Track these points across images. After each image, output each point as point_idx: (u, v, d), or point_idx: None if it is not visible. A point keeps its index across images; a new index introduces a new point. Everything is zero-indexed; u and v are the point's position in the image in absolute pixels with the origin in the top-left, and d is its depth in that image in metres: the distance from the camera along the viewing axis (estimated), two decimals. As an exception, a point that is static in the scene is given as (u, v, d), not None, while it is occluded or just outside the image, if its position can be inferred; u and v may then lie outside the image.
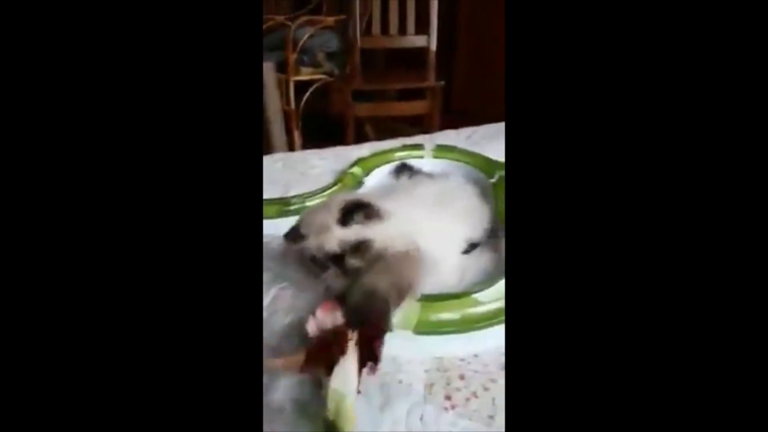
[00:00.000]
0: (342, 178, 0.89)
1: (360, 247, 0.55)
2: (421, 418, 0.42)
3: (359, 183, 0.90)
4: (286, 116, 2.00)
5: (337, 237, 0.56)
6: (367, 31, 2.01)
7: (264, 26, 2.04)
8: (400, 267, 0.53)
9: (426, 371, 0.46)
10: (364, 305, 0.46)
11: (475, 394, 0.44)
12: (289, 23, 1.99)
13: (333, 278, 0.55)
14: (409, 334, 0.48)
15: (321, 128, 2.05)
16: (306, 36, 2.00)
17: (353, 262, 0.55)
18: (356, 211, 0.57)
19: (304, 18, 2.05)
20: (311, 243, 0.56)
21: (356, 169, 0.92)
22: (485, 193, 0.80)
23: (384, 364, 0.44)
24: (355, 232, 0.56)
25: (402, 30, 2.01)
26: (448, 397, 0.44)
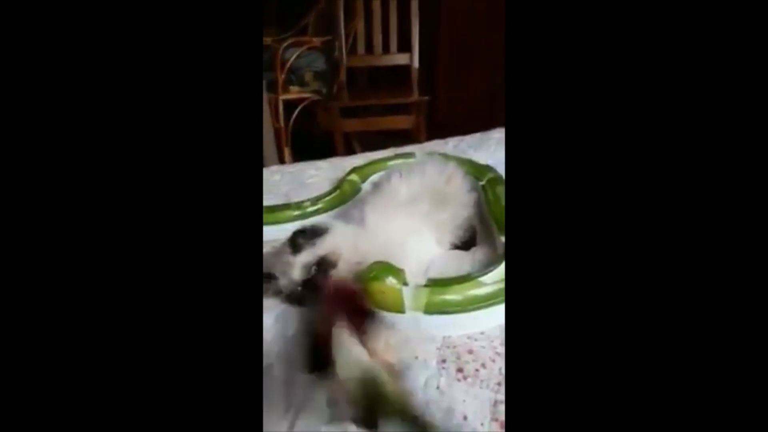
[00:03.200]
0: (341, 185, 0.94)
1: (320, 265, 0.61)
2: (437, 387, 0.46)
3: (357, 189, 0.94)
4: (277, 134, 2.05)
5: (297, 266, 0.61)
6: (352, 50, 2.09)
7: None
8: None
9: (438, 348, 0.50)
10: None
11: (483, 366, 0.48)
12: (277, 45, 2.06)
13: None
14: (420, 315, 0.52)
15: (309, 145, 2.10)
16: (294, 56, 2.07)
17: (319, 279, 0.60)
18: (299, 237, 0.62)
19: (291, 39, 2.12)
20: (282, 281, 0.61)
21: (354, 176, 0.96)
22: (478, 194, 0.86)
23: (399, 344, 0.48)
24: (307, 255, 0.61)
25: (386, 48, 2.10)
26: (459, 370, 0.48)
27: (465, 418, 0.43)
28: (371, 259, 0.57)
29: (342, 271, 0.61)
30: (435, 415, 0.43)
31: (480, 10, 2.14)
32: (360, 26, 2.06)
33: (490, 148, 1.21)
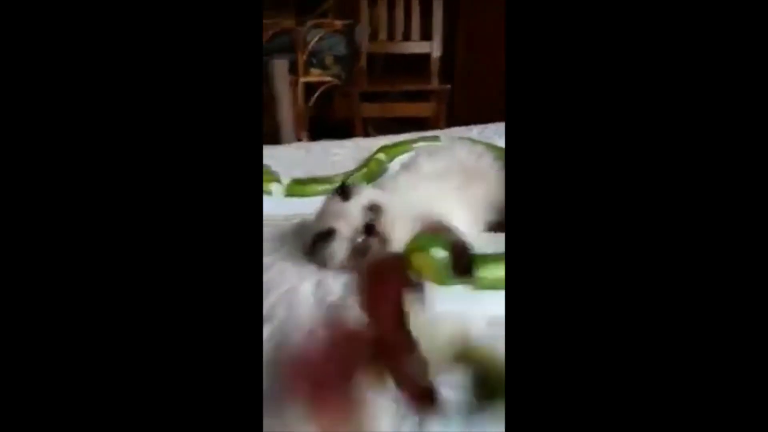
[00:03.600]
0: (368, 163, 0.94)
1: (373, 208, 0.62)
2: None
3: (385, 168, 0.94)
4: (296, 116, 2.05)
5: (353, 210, 0.61)
6: (373, 36, 2.08)
7: (274, 30, 2.10)
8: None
9: (488, 324, 0.50)
10: None
11: None
12: (300, 27, 2.06)
13: (374, 245, 0.60)
14: (470, 289, 0.52)
15: (325, 130, 2.10)
16: (315, 39, 2.06)
17: (379, 225, 0.61)
18: (346, 187, 0.64)
19: (314, 21, 2.12)
20: (343, 231, 0.60)
21: (381, 155, 0.97)
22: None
23: (449, 317, 0.48)
24: (359, 200, 0.62)
25: (407, 36, 2.09)
26: None
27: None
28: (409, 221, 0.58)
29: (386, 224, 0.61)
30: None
31: (499, 2, 2.12)
32: (382, 12, 2.05)
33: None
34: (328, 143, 1.18)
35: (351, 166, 0.98)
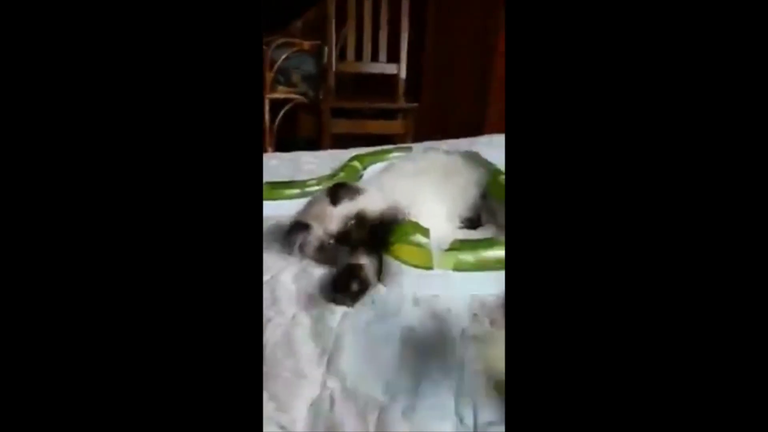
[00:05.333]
0: (343, 169, 0.94)
1: (358, 219, 0.61)
2: (473, 336, 0.47)
3: (360, 175, 0.94)
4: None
5: (335, 216, 0.61)
6: (341, 56, 2.11)
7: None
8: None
9: (467, 304, 0.51)
10: None
11: None
12: (266, 45, 2.06)
13: (348, 257, 0.59)
14: (449, 272, 0.53)
15: (291, 146, 2.09)
16: (282, 57, 2.07)
17: (357, 234, 0.60)
18: (341, 190, 0.63)
19: (281, 40, 2.13)
20: (316, 230, 0.60)
21: (355, 163, 0.97)
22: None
23: (430, 300, 0.50)
24: (347, 207, 0.62)
25: (374, 57, 2.14)
26: (492, 321, 0.49)
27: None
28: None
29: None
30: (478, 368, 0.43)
31: (465, 25, 2.22)
32: (351, 33, 2.10)
33: (481, 150, 1.25)
34: (300, 153, 1.17)
35: (326, 173, 0.98)
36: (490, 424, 0.38)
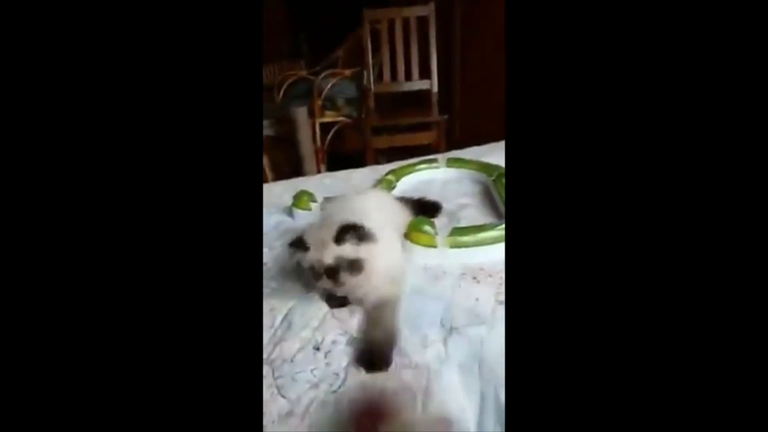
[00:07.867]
0: (380, 182, 1.20)
1: (353, 265, 0.64)
2: (459, 286, 0.72)
3: (393, 186, 1.20)
4: (315, 153, 2.37)
5: (332, 253, 0.64)
6: (378, 78, 2.39)
7: (292, 79, 2.46)
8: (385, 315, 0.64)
9: (458, 269, 0.76)
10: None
11: (490, 275, 0.74)
12: (313, 77, 2.40)
13: (326, 286, 0.66)
14: (447, 249, 0.79)
15: (341, 162, 2.39)
16: (328, 86, 2.39)
17: (345, 276, 0.64)
18: (350, 232, 0.65)
19: (326, 72, 2.46)
20: (312, 255, 0.65)
21: (390, 176, 1.23)
22: (488, 188, 1.11)
23: (429, 268, 0.75)
24: (348, 250, 0.64)
25: (408, 76, 2.40)
26: (475, 279, 0.73)
27: (477, 299, 0.68)
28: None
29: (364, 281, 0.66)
30: (459, 301, 0.68)
31: (489, 40, 2.43)
32: (385, 57, 2.37)
33: (500, 153, 1.47)
34: (348, 171, 1.45)
35: (368, 186, 1.25)
36: (464, 326, 0.62)
